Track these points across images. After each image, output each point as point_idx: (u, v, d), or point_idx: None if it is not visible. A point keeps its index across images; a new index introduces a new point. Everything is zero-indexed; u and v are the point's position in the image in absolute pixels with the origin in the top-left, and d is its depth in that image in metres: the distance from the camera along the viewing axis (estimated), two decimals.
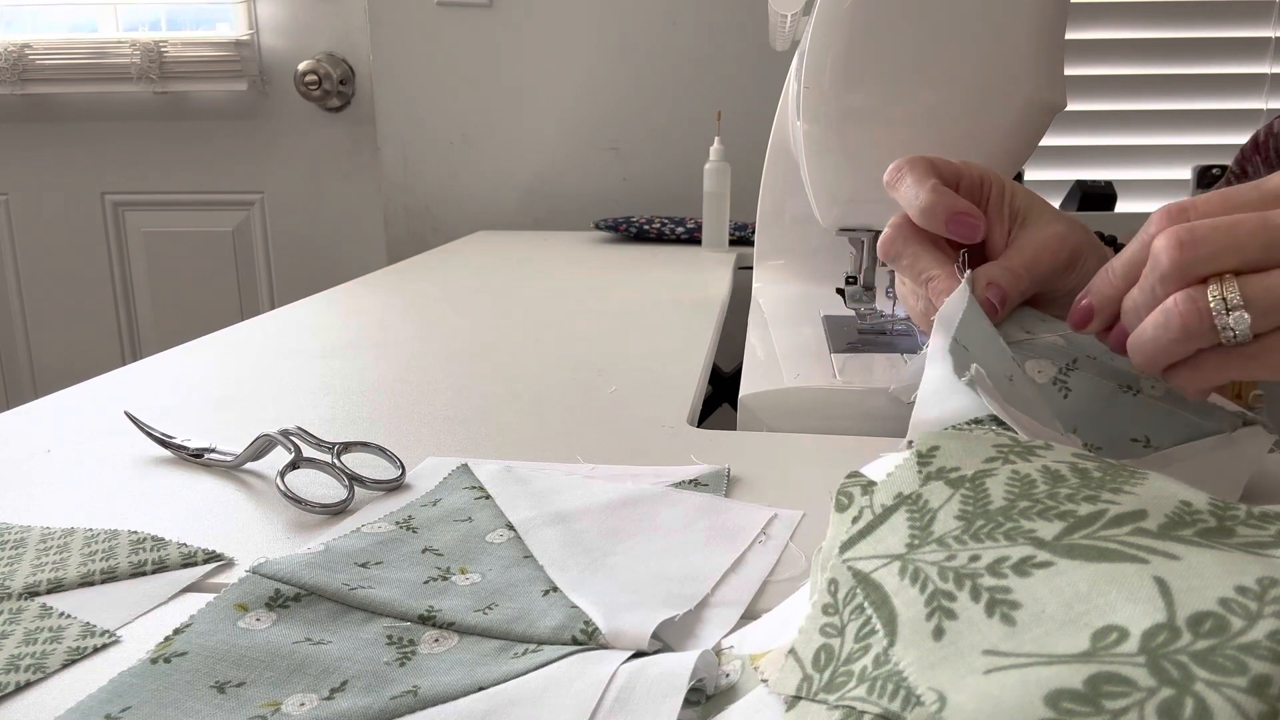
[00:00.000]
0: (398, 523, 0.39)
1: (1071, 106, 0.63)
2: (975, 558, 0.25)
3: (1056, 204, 1.64)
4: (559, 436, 0.52)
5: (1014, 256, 0.45)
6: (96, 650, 0.31)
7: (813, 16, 0.61)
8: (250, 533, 0.39)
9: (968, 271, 0.41)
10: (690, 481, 0.44)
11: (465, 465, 0.45)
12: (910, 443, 0.35)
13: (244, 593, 0.32)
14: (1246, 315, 0.33)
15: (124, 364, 0.68)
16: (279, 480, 0.42)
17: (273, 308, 0.96)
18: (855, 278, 0.71)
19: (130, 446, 0.50)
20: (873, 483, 0.31)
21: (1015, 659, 0.22)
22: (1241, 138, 0.71)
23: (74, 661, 0.30)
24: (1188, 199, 0.34)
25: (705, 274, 1.13)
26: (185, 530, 0.39)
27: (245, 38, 1.83)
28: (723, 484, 0.44)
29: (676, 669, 0.27)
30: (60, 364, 2.01)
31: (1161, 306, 0.35)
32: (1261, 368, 0.34)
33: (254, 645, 0.29)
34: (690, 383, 0.63)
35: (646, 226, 1.44)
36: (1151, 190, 1.71)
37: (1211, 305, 0.33)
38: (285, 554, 0.35)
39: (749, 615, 0.33)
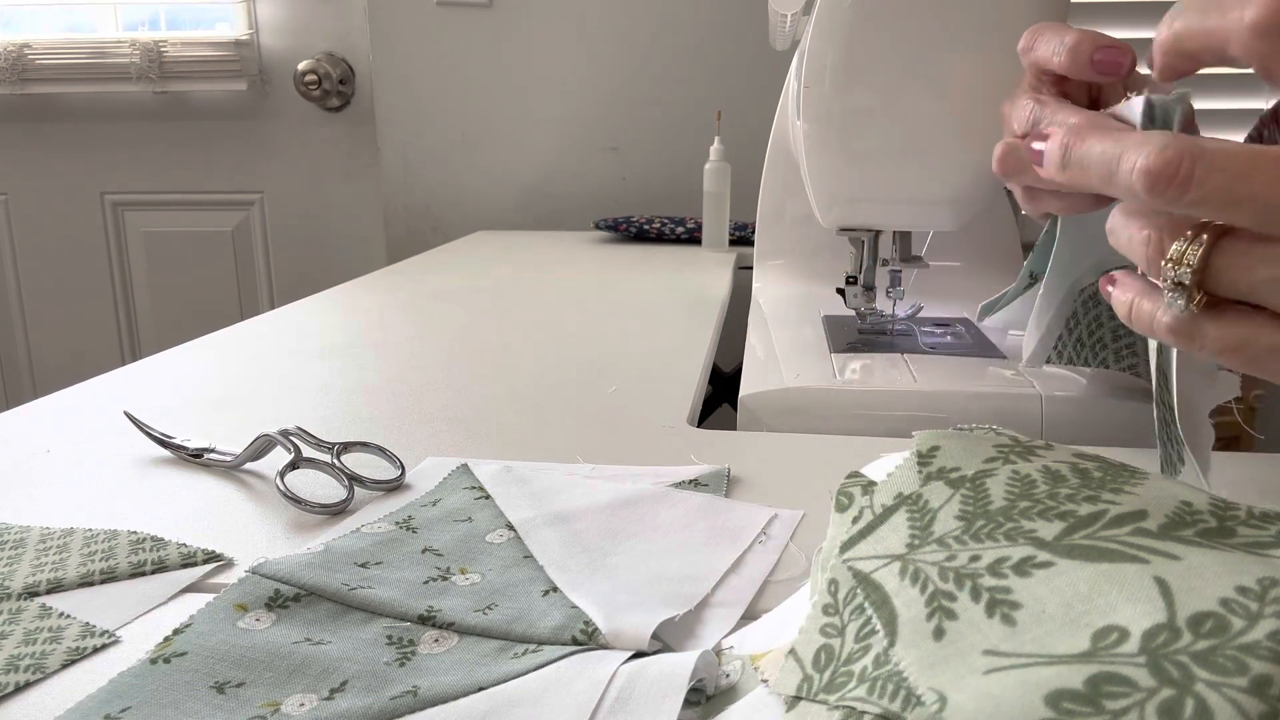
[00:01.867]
0: (398, 523, 0.39)
1: None
2: (975, 558, 0.25)
3: None
4: (559, 436, 0.52)
5: None
6: (96, 650, 0.30)
7: (813, 16, 0.61)
8: (250, 533, 0.39)
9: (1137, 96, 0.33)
10: (690, 481, 0.44)
11: (465, 465, 0.45)
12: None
13: (244, 593, 0.32)
14: (1187, 302, 0.29)
15: (124, 364, 0.68)
16: (279, 480, 0.42)
17: (273, 308, 0.96)
18: (855, 278, 0.71)
19: (130, 446, 0.50)
20: (873, 483, 0.31)
21: (1015, 659, 0.22)
22: (1241, 136, 0.70)
23: (74, 661, 0.30)
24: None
25: (705, 274, 1.13)
26: (185, 530, 0.39)
27: (245, 38, 1.83)
28: (723, 484, 0.44)
29: (676, 669, 0.27)
30: (60, 364, 2.01)
31: (1133, 226, 0.30)
32: (1173, 343, 0.30)
33: (254, 645, 0.29)
34: (690, 383, 0.62)
35: (646, 226, 1.44)
36: None
37: (1169, 254, 0.29)
38: (285, 554, 0.35)
39: (749, 615, 0.33)
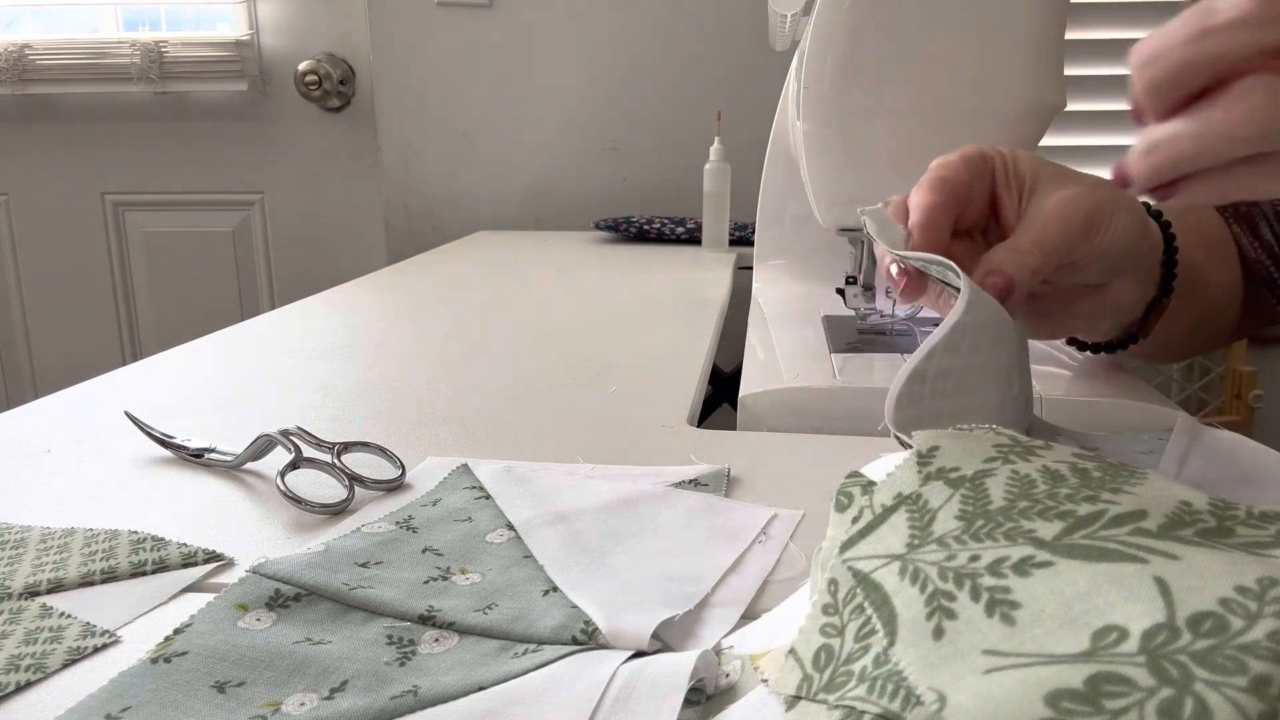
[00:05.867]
0: (398, 523, 0.39)
1: (1071, 106, 0.63)
2: (975, 558, 0.25)
3: None
4: (559, 436, 0.52)
5: (1021, 234, 0.42)
6: (96, 650, 0.30)
7: (813, 16, 0.61)
8: (250, 533, 0.39)
9: (961, 277, 0.38)
10: (690, 481, 0.44)
11: (465, 465, 0.45)
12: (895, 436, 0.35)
13: (244, 593, 0.32)
14: None
15: (124, 364, 0.68)
16: (279, 480, 0.42)
17: (273, 308, 0.96)
18: (855, 278, 0.71)
19: (130, 446, 0.50)
20: (872, 483, 0.31)
21: (1015, 659, 0.22)
22: None
23: (74, 661, 0.30)
24: None
25: (705, 274, 1.13)
26: (185, 530, 0.39)
27: (245, 38, 1.83)
28: (723, 484, 0.44)
29: (676, 669, 0.27)
30: (60, 364, 2.01)
31: (1215, 100, 0.29)
32: None
33: (254, 645, 0.29)
34: (690, 383, 0.62)
35: (646, 226, 1.45)
36: None
37: None
38: (285, 554, 0.35)
39: (749, 615, 0.33)
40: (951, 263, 0.38)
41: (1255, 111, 0.28)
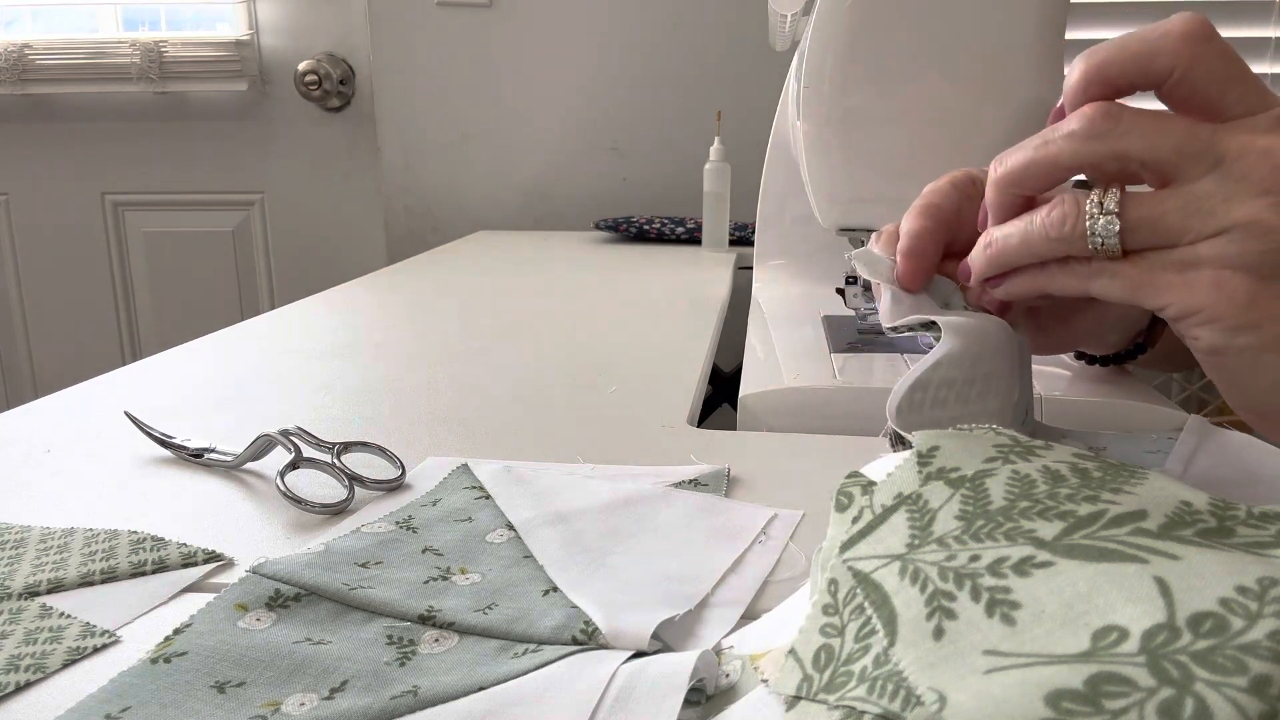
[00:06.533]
0: (398, 523, 0.39)
1: None
2: (975, 558, 0.25)
3: None
4: (559, 436, 0.52)
5: None
6: (96, 650, 0.30)
7: (813, 16, 0.61)
8: (250, 533, 0.39)
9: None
10: (690, 481, 0.44)
11: (465, 465, 0.45)
12: (892, 436, 0.36)
13: (244, 593, 0.32)
14: (1117, 221, 0.33)
15: (124, 364, 0.68)
16: (279, 480, 0.42)
17: (273, 308, 0.96)
18: (855, 278, 0.71)
19: (130, 446, 0.50)
20: (873, 483, 0.31)
21: (1015, 659, 0.22)
22: None
23: (74, 661, 0.30)
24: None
25: (705, 274, 1.13)
26: (185, 530, 0.39)
27: (245, 38, 1.83)
28: (723, 484, 0.44)
29: (676, 669, 0.27)
30: (60, 364, 2.01)
31: (1040, 208, 0.35)
32: (1113, 287, 0.34)
33: (254, 645, 0.29)
34: (690, 383, 0.62)
35: (646, 226, 1.45)
36: None
37: (1088, 208, 0.34)
38: (285, 554, 0.35)
39: (749, 615, 0.33)
40: (933, 318, 0.39)
41: (1066, 217, 0.34)
